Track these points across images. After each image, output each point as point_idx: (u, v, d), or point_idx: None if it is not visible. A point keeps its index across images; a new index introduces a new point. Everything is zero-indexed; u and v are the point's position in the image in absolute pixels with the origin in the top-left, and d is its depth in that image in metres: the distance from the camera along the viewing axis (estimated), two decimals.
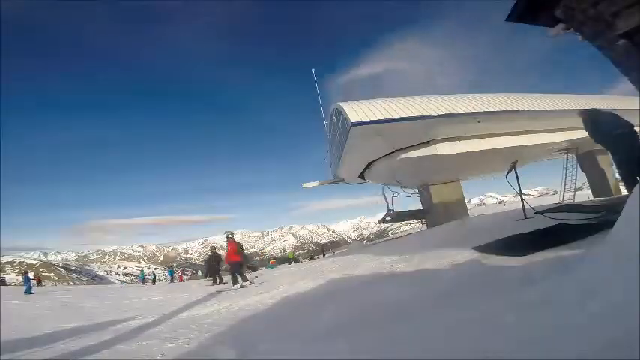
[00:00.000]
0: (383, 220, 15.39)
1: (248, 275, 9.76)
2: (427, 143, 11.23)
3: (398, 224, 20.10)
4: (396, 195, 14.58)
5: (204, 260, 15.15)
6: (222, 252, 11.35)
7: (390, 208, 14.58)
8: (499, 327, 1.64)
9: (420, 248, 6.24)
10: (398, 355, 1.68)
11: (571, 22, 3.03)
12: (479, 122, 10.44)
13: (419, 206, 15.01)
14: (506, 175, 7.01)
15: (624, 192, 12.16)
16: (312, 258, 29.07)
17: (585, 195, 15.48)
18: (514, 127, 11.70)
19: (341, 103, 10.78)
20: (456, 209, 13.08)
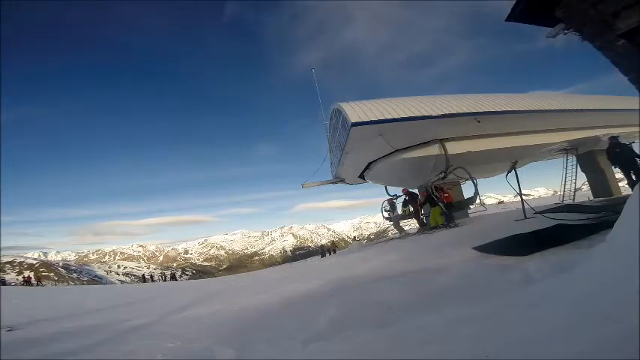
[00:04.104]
0: (388, 218, 15.89)
1: None
2: (427, 143, 11.24)
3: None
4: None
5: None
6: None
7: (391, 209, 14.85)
8: (499, 327, 1.64)
9: (420, 248, 6.25)
10: (398, 354, 1.68)
11: (571, 22, 3.03)
12: (479, 122, 10.43)
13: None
14: (507, 175, 7.02)
15: (624, 192, 12.21)
16: None
17: (585, 195, 15.49)
18: (514, 127, 11.70)
19: (341, 103, 10.76)
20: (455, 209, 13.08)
